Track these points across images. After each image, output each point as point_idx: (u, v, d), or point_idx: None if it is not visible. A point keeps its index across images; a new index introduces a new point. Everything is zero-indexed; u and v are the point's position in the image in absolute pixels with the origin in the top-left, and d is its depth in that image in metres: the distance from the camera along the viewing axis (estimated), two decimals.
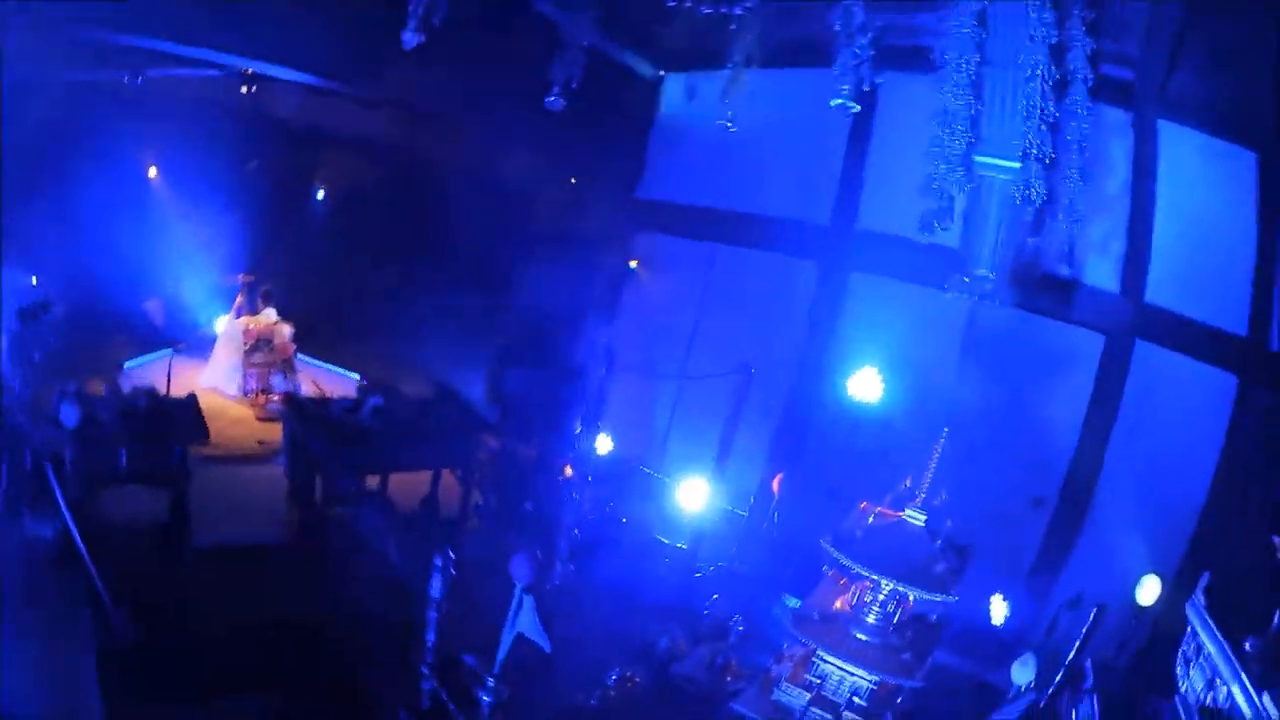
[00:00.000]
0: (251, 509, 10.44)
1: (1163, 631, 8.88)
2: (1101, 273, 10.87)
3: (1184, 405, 10.92)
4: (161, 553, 9.39)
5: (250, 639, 8.22)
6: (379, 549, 9.56)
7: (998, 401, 10.64)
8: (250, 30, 10.65)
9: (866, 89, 9.51)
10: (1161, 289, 10.94)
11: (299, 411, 10.92)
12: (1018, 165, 8.77)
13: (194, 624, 8.39)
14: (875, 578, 8.07)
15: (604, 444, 10.69)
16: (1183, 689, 8.30)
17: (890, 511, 8.40)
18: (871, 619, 8.49)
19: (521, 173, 13.22)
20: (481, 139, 12.79)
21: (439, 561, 7.50)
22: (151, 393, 10.25)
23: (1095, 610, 9.28)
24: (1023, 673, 8.79)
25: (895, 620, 8.46)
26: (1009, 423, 10.72)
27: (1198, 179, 11.18)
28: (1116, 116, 11.00)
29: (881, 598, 8.40)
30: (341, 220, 16.02)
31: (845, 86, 5.04)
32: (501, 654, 7.21)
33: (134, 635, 8.02)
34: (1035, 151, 8.72)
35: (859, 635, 8.50)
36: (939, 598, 7.90)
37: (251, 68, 12.09)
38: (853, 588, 8.58)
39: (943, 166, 8.62)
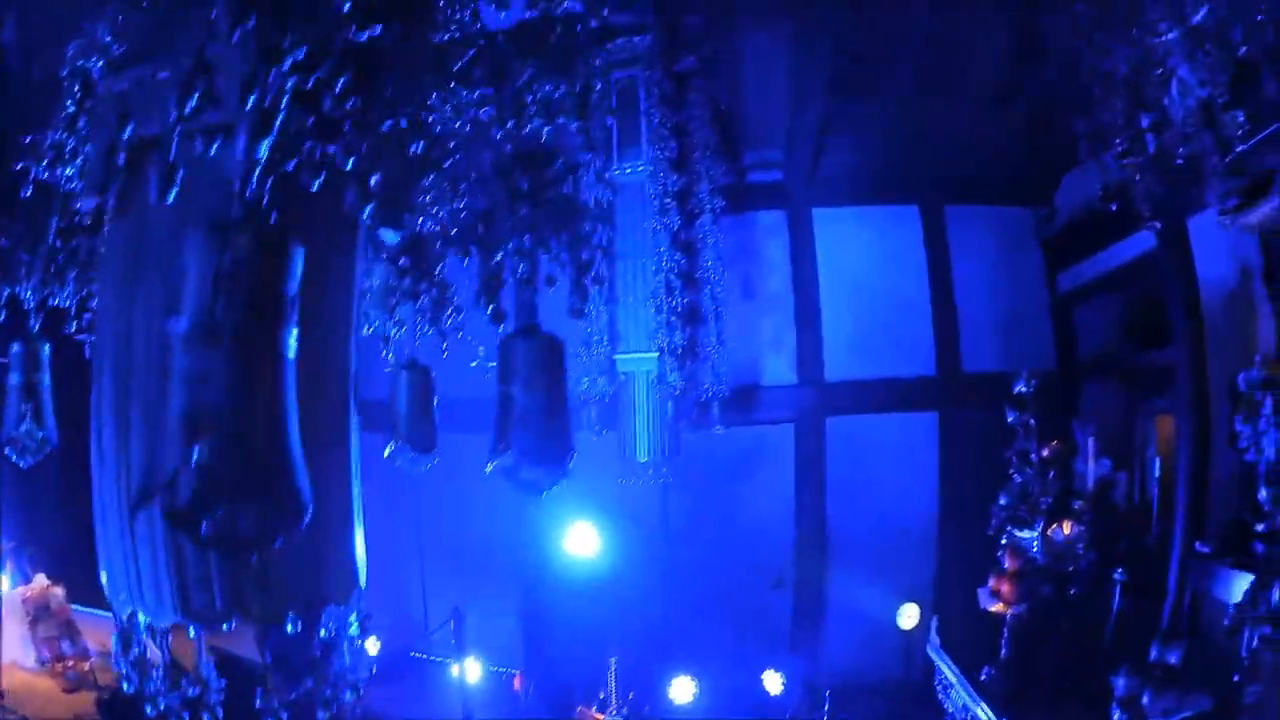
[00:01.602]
0: None
1: None
2: (778, 369, 11.64)
3: (893, 456, 11.92)
4: None
5: None
6: None
7: (711, 512, 11.51)
8: None
9: None
10: (841, 364, 11.76)
11: (115, 713, 11.20)
12: (655, 355, 9.34)
13: None
14: None
15: (372, 645, 11.22)
16: (950, 710, 9.62)
17: (598, 715, 9.41)
18: None
19: None
20: None
21: None
22: None
23: (826, 693, 10.56)
24: None
25: None
26: (728, 526, 11.59)
27: (862, 248, 11.95)
28: (771, 218, 11.65)
29: None
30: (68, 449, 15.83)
31: (481, 348, 5.33)
32: None
33: None
34: (666, 343, 9.30)
35: None
36: None
37: None
38: None
39: (584, 379, 9.18)
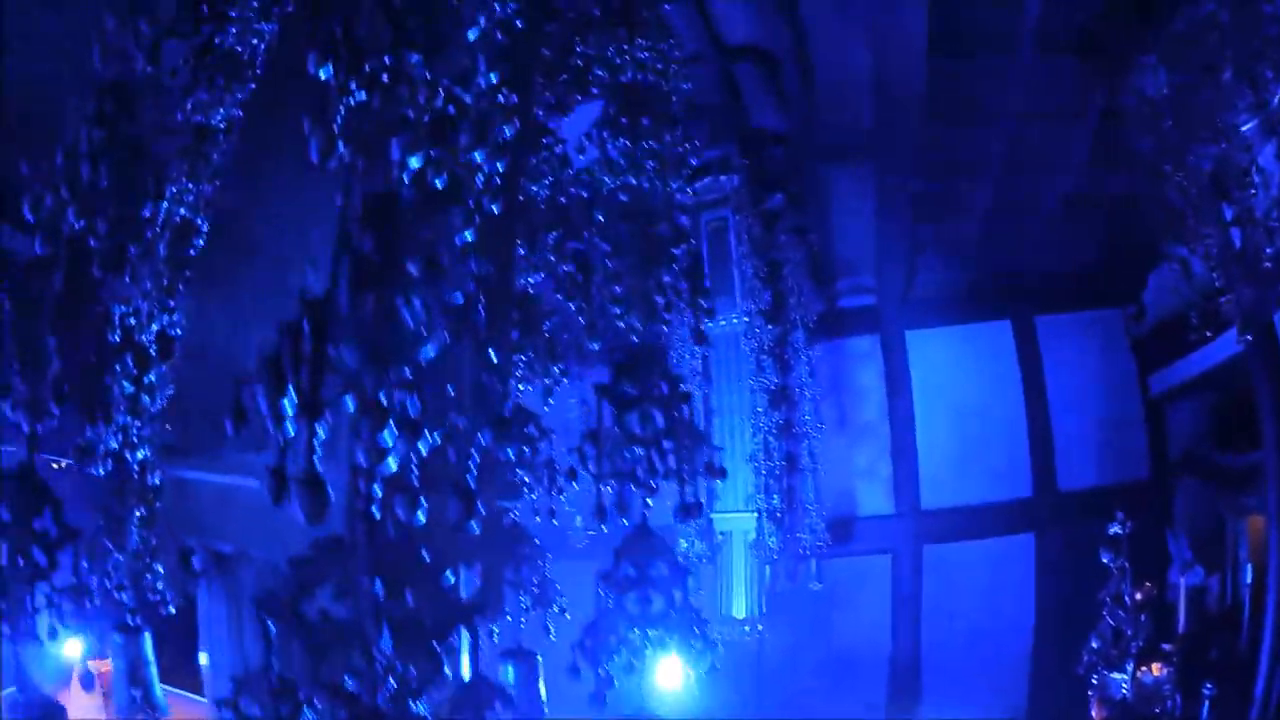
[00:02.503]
0: None
1: None
2: (873, 499, 11.45)
3: (989, 581, 11.70)
4: None
5: None
6: None
7: (806, 642, 11.36)
8: None
9: None
10: (938, 491, 11.55)
11: None
12: (753, 515, 9.27)
13: None
14: None
15: None
16: None
17: None
18: None
19: None
20: None
21: None
22: None
23: None
24: None
25: None
26: (823, 655, 11.45)
27: (957, 369, 11.74)
28: (863, 344, 11.47)
29: None
30: None
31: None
32: None
33: None
34: (764, 504, 9.20)
35: None
36: None
37: None
38: None
39: (683, 542, 9.11)
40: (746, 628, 9.28)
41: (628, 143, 5.33)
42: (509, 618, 5.59)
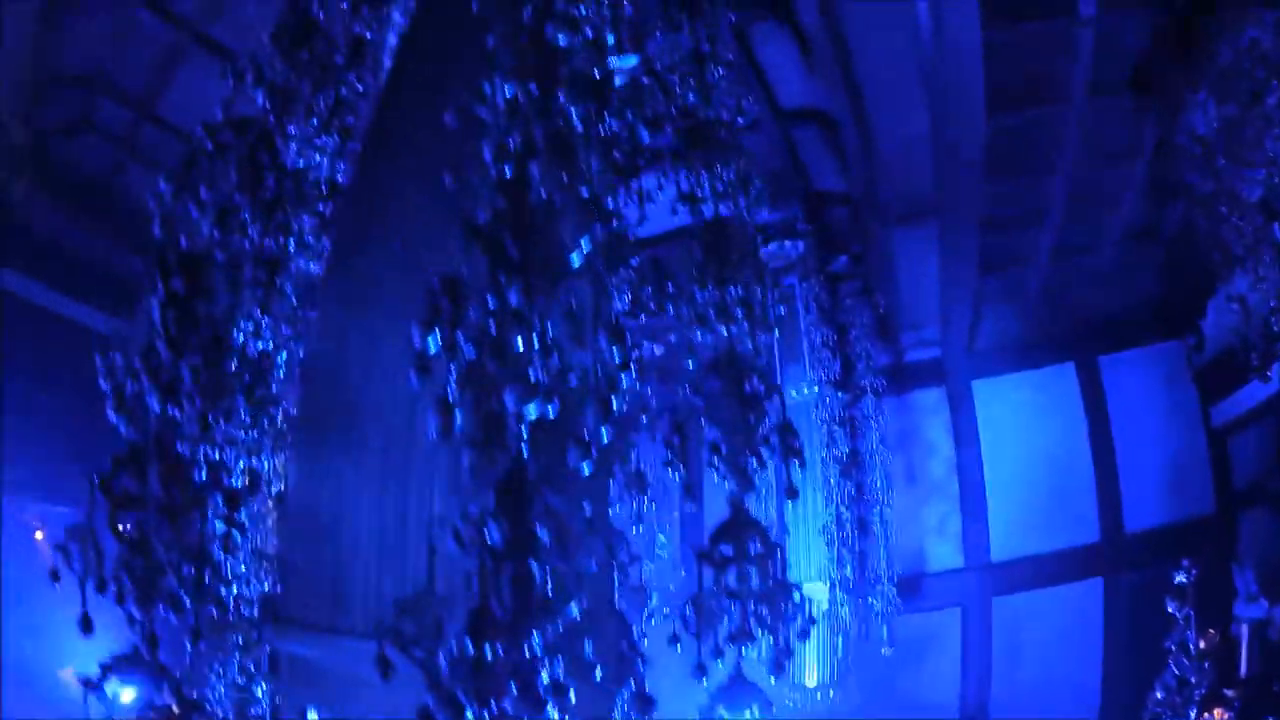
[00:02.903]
0: None
1: None
2: (943, 554, 11.45)
3: (1058, 628, 11.68)
4: None
5: None
6: None
7: (875, 693, 11.42)
8: None
9: None
10: (1007, 542, 11.52)
11: None
12: (826, 586, 9.34)
13: None
14: None
15: None
16: None
17: None
18: None
19: None
20: None
21: None
22: None
23: None
24: None
25: None
26: (893, 709, 11.50)
27: (1023, 416, 11.70)
28: (929, 396, 11.46)
29: None
30: None
31: None
32: None
33: None
34: (838, 576, 9.28)
35: None
36: None
37: None
38: None
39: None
40: (819, 695, 9.31)
41: (716, 291, 5.35)
42: None
